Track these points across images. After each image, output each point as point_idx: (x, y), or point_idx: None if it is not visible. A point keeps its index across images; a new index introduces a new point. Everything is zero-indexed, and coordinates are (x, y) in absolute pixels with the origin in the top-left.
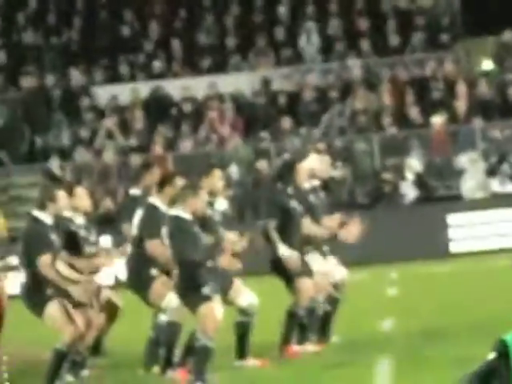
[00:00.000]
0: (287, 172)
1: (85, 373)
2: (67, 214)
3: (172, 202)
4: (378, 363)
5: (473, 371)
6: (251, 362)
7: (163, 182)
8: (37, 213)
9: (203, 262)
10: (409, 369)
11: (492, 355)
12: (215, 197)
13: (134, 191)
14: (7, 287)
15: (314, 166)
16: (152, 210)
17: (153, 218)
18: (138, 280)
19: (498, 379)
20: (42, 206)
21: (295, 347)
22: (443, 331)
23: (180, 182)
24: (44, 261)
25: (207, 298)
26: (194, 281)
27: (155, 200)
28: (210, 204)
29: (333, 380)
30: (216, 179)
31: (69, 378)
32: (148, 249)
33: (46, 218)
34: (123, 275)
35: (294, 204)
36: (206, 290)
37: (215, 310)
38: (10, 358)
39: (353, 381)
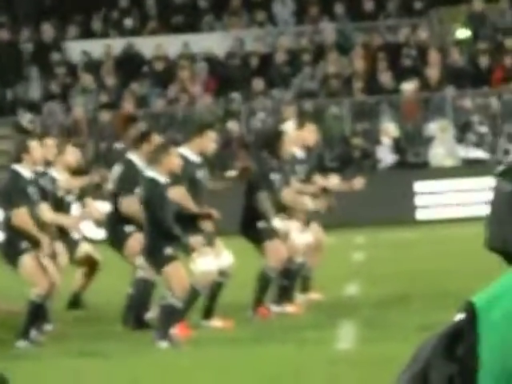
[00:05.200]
0: (274, 141)
1: (48, 327)
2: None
3: (148, 161)
4: (342, 327)
5: (437, 333)
6: (216, 322)
7: (140, 139)
8: (16, 166)
9: (172, 227)
10: (373, 333)
11: (458, 317)
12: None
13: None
14: None
15: (301, 136)
16: (129, 166)
17: (129, 175)
18: (114, 236)
19: (462, 342)
20: (18, 159)
21: (271, 308)
22: (408, 297)
23: (157, 138)
24: (19, 213)
25: (171, 258)
26: (159, 242)
27: (133, 156)
28: (200, 166)
29: (296, 342)
30: (208, 140)
31: (32, 332)
32: (122, 206)
33: (25, 171)
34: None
35: (274, 176)
36: (168, 250)
37: (180, 269)
38: None
39: (316, 343)
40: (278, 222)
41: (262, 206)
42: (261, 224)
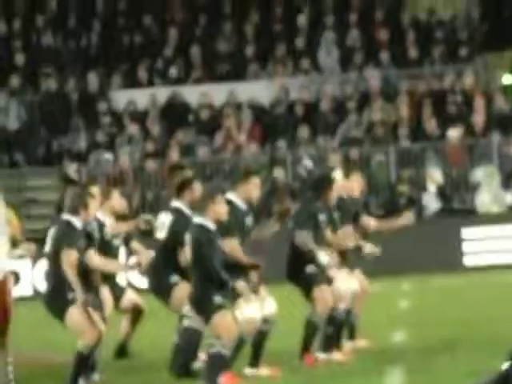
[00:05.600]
0: (323, 186)
1: (96, 377)
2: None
3: (192, 207)
4: (390, 374)
5: (484, 380)
6: (263, 370)
7: (182, 187)
8: (68, 216)
9: (220, 272)
10: (420, 380)
11: (505, 365)
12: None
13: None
14: (13, 290)
15: (348, 185)
16: (178, 214)
17: (181, 223)
18: (158, 285)
19: None
20: (74, 211)
21: (318, 355)
22: (455, 344)
23: (198, 186)
24: (68, 256)
25: (219, 307)
26: (208, 290)
27: (179, 204)
28: (247, 214)
29: None
30: (252, 187)
31: (80, 382)
32: (181, 255)
33: (77, 222)
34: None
35: (322, 217)
36: (217, 299)
37: (228, 317)
38: (19, 359)
39: None
40: (324, 257)
41: (303, 243)
42: (309, 268)
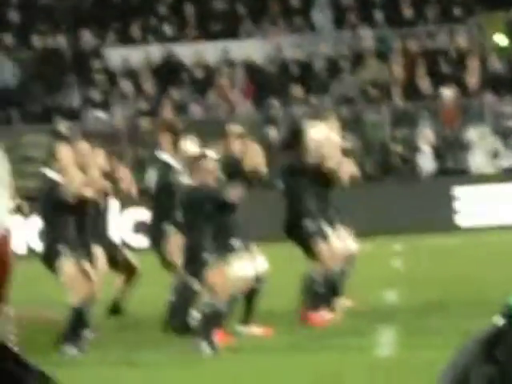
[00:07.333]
0: (295, 140)
1: (89, 334)
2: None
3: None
4: (382, 333)
5: (476, 336)
6: (254, 328)
7: (175, 143)
8: (47, 171)
9: (210, 230)
10: (413, 340)
11: (498, 320)
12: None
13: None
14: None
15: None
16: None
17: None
18: (154, 235)
19: (502, 346)
20: (48, 164)
21: (316, 313)
22: (447, 303)
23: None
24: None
25: (212, 263)
26: (198, 249)
27: (169, 158)
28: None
29: (335, 349)
30: (232, 140)
31: (74, 338)
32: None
33: (56, 175)
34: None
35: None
36: (206, 256)
37: (222, 273)
38: (18, 316)
39: (355, 350)
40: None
41: (306, 205)
42: (306, 222)
